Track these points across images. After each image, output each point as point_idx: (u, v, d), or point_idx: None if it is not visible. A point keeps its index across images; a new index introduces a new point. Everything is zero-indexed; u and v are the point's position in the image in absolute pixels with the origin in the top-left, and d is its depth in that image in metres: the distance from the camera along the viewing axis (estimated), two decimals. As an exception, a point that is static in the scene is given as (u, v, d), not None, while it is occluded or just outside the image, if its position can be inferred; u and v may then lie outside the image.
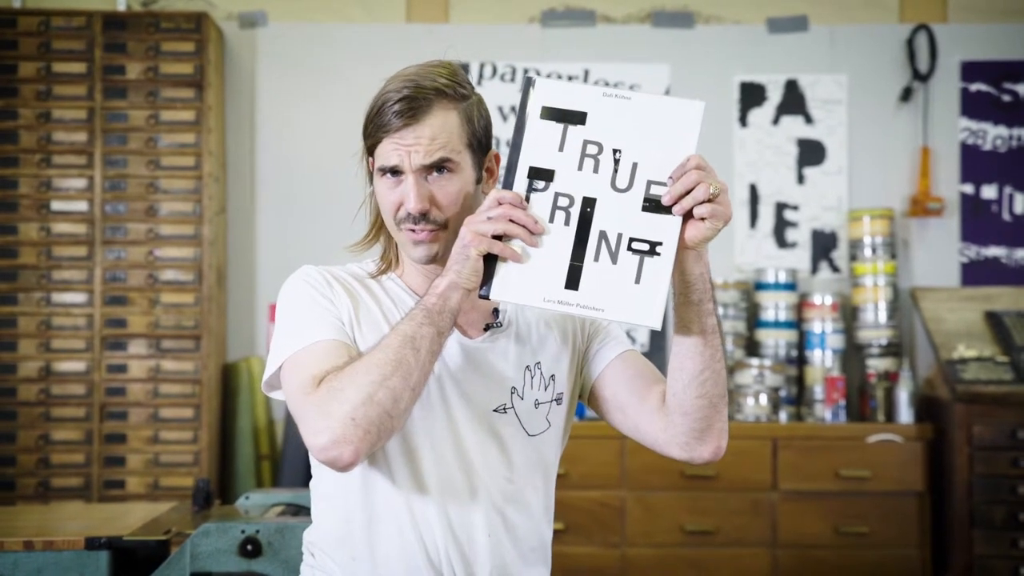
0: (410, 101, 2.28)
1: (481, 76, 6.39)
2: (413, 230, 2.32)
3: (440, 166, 2.30)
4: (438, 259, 2.34)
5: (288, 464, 5.81)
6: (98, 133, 5.98)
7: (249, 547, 3.10)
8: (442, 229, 2.33)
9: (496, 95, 6.36)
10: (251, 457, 6.11)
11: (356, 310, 2.36)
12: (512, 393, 2.41)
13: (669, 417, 2.36)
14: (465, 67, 6.39)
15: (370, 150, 2.36)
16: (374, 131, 2.32)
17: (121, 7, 6.31)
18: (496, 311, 2.46)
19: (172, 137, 6.01)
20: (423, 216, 2.30)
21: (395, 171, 2.31)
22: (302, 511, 3.48)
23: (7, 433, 5.92)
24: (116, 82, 6.01)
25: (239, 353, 6.38)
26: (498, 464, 2.38)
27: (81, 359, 5.96)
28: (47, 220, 5.98)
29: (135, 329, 5.97)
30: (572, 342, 2.50)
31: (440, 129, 2.30)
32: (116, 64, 6.01)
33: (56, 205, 5.99)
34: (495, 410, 2.39)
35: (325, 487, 2.41)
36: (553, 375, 2.46)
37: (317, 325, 2.30)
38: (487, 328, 2.43)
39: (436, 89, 2.30)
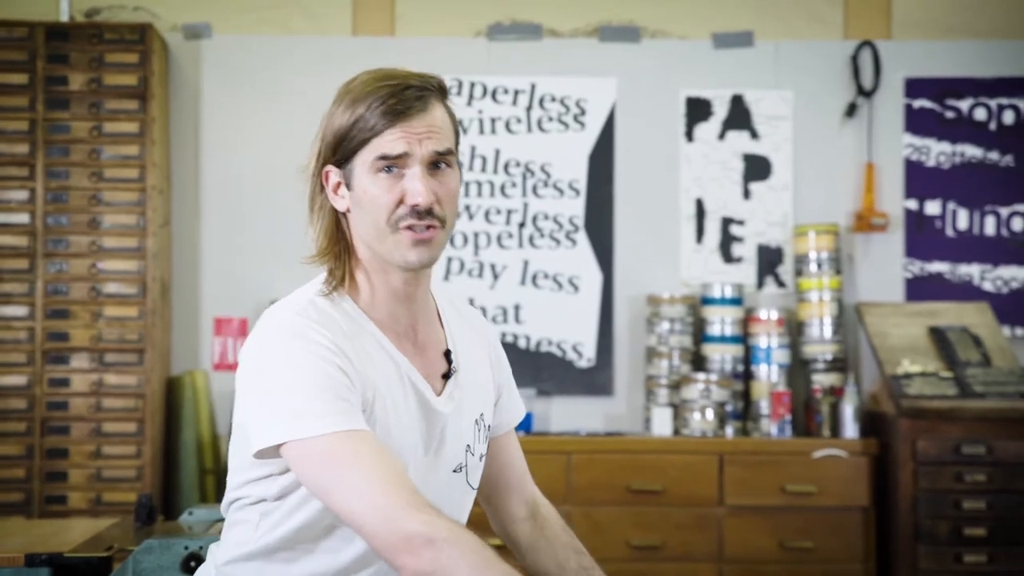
0: (419, 91, 2.16)
1: (428, 89, 6.36)
2: (413, 227, 2.14)
3: (444, 160, 2.18)
4: (429, 264, 2.20)
5: (232, 479, 5.76)
6: (40, 145, 5.92)
7: (192, 563, 3.07)
8: (442, 228, 2.17)
9: (443, 109, 6.34)
10: (195, 471, 6.07)
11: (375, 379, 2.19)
12: (467, 451, 2.31)
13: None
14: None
15: (351, 153, 2.17)
16: (373, 124, 2.14)
17: (64, 18, 6.24)
18: (448, 353, 2.31)
19: (115, 149, 5.96)
20: (429, 211, 2.15)
21: (392, 165, 2.14)
22: (246, 527, 3.45)
23: (-54, 448, 5.86)
24: (58, 93, 5.95)
25: (183, 366, 6.33)
26: None
27: (22, 373, 5.88)
28: (-12, 232, 5.92)
29: (77, 343, 5.90)
30: (495, 386, 2.42)
31: (444, 122, 2.20)
32: (58, 75, 5.95)
33: (-3, 217, 5.93)
34: (454, 471, 2.28)
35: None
36: (488, 424, 2.38)
37: (336, 411, 2.08)
38: (445, 376, 2.28)
39: (436, 85, 2.20)
